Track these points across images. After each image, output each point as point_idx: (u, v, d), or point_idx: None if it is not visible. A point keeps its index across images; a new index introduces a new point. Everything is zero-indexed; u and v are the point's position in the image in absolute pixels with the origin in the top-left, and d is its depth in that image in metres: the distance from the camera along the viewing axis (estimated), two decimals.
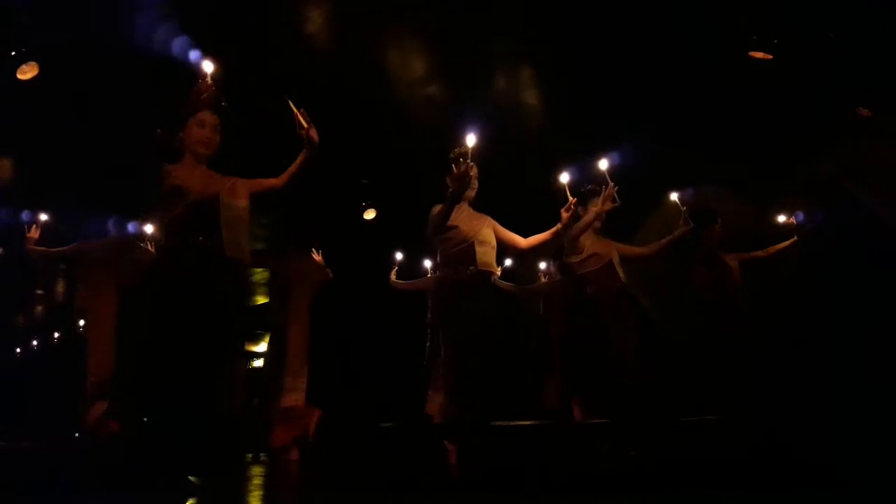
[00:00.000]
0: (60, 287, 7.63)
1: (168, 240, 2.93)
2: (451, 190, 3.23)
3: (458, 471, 3.15)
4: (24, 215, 4.61)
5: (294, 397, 4.70)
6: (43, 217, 4.54)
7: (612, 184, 3.78)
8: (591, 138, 4.86)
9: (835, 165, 4.75)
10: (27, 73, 4.63)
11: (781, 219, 4.79)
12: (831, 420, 3.38)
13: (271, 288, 5.10)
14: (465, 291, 3.35)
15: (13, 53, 4.57)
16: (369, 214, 6.61)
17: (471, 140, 3.16)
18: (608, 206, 3.83)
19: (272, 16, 4.37)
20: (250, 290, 3.06)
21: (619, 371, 4.05)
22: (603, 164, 3.83)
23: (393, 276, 5.28)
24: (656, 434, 3.60)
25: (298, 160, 2.96)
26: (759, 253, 4.83)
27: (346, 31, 4.56)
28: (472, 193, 3.48)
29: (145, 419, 2.72)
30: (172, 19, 4.07)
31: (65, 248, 4.57)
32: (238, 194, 2.95)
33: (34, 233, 4.52)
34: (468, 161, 3.16)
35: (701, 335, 4.59)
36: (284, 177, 3.00)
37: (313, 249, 5.13)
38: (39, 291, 7.83)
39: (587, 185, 4.28)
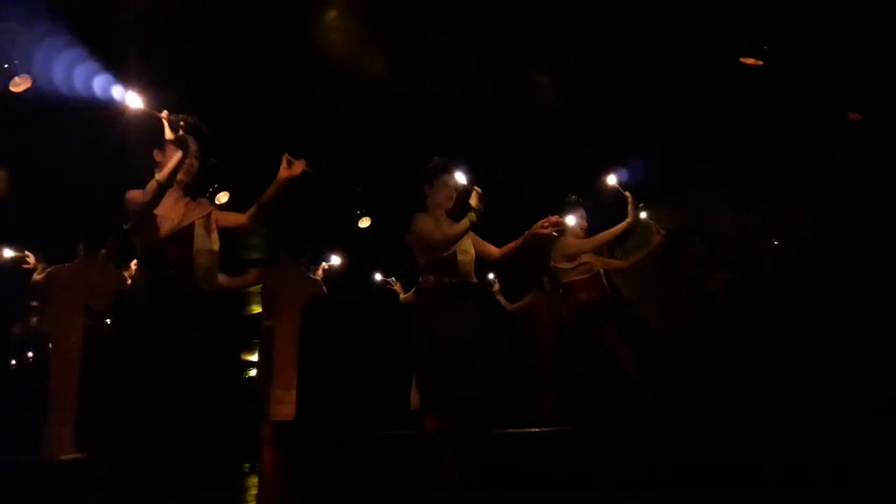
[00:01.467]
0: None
1: (144, 269, 2.90)
2: (475, 209, 3.27)
3: (441, 480, 3.16)
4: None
5: (284, 410, 4.69)
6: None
7: (627, 193, 3.88)
8: (582, 142, 4.91)
9: (825, 170, 4.77)
10: (20, 85, 4.62)
11: None
12: (819, 425, 3.40)
13: (262, 299, 5.10)
14: (444, 300, 3.38)
15: (6, 66, 4.56)
16: (364, 223, 6.61)
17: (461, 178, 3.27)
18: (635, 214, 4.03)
19: (262, 26, 4.38)
20: (222, 322, 3.06)
21: (614, 377, 4.08)
22: (611, 180, 3.97)
23: (402, 295, 5.20)
24: (648, 438, 3.62)
25: (269, 192, 2.91)
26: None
27: (341, 39, 4.58)
28: (450, 204, 3.52)
29: (128, 447, 2.70)
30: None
31: (40, 276, 4.50)
32: (211, 226, 2.94)
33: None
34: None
35: (681, 350, 4.64)
36: (251, 213, 2.98)
37: (319, 265, 5.13)
38: (34, 303, 7.81)
39: (570, 195, 4.34)
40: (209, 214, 2.96)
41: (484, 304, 3.53)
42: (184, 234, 2.86)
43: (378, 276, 5.29)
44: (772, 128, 4.76)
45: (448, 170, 3.43)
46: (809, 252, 4.75)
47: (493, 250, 3.61)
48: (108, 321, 4.53)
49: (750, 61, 4.64)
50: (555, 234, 3.38)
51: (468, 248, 3.48)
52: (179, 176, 2.90)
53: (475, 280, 3.50)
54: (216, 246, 2.93)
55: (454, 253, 3.40)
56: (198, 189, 3.06)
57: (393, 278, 5.25)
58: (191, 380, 2.72)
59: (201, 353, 2.77)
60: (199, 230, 2.89)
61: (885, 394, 3.78)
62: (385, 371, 5.81)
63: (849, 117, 4.69)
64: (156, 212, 2.83)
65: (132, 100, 2.63)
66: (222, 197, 5.66)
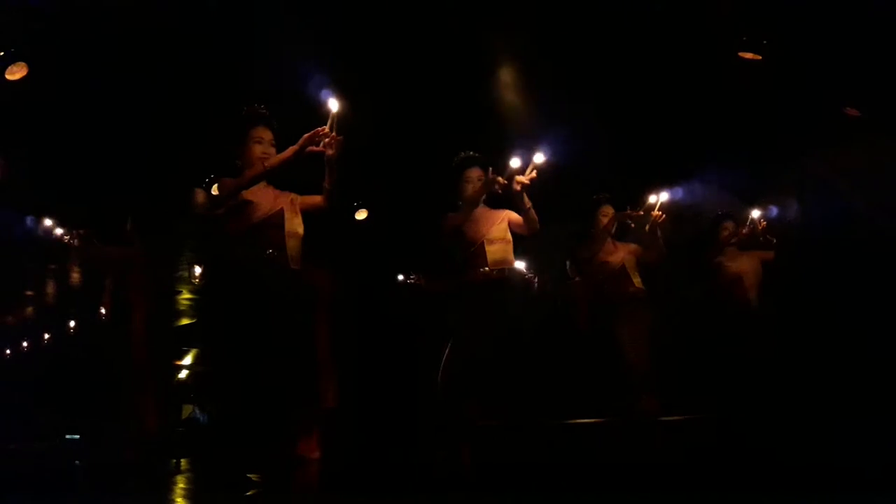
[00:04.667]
0: (51, 288, 7.60)
1: (240, 253, 3.12)
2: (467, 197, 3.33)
3: (463, 470, 3.19)
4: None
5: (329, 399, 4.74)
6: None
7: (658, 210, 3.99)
8: (580, 137, 4.89)
9: (823, 165, 4.78)
10: (16, 73, 4.59)
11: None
12: (833, 420, 3.42)
13: None
14: (479, 291, 3.41)
15: (2, 53, 4.53)
16: (361, 215, 6.58)
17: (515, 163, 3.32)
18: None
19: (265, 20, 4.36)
20: (311, 301, 3.26)
21: (629, 373, 4.10)
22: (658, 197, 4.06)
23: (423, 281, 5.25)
24: (660, 432, 3.65)
25: (326, 174, 3.08)
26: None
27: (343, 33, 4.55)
28: (477, 197, 3.55)
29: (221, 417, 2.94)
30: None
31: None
32: (296, 210, 3.14)
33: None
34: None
35: (716, 338, 4.63)
36: (324, 197, 3.16)
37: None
38: (29, 292, 7.77)
39: (601, 193, 4.32)
40: (292, 199, 3.16)
41: (521, 290, 3.54)
42: (275, 220, 3.07)
43: (400, 278, 5.27)
44: (772, 123, 4.77)
45: (467, 163, 3.46)
46: (805, 248, 4.76)
47: (515, 218, 3.63)
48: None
49: (749, 56, 4.64)
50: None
51: (499, 234, 3.53)
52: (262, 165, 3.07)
53: (511, 266, 3.52)
54: (301, 230, 3.14)
55: (482, 245, 3.43)
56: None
57: (414, 275, 5.24)
58: (288, 354, 2.96)
59: (297, 328, 3.02)
60: (288, 215, 3.09)
61: (885, 392, 3.80)
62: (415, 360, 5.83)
63: (847, 113, 4.70)
64: (249, 199, 3.04)
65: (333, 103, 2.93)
66: (215, 189, 5.66)
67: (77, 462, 4.36)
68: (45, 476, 3.77)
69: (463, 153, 3.55)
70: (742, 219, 4.71)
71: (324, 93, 3.06)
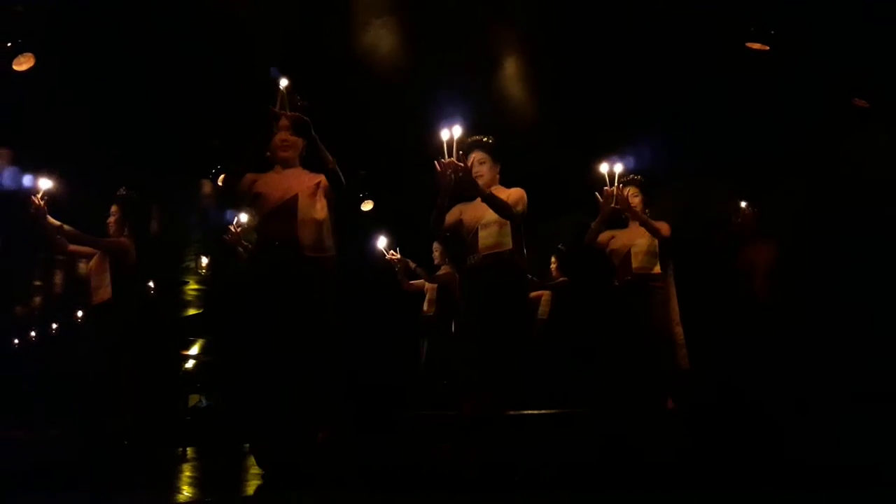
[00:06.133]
0: (58, 278, 7.66)
1: (254, 246, 3.13)
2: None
3: (465, 467, 3.16)
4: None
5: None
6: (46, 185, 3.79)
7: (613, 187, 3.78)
8: (580, 126, 4.88)
9: (830, 157, 4.74)
10: (23, 63, 4.62)
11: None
12: (835, 419, 3.38)
13: None
14: (465, 281, 3.35)
15: (8, 44, 4.55)
16: (367, 206, 6.60)
17: (445, 135, 3.01)
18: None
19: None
20: (333, 286, 3.07)
21: (617, 361, 4.03)
22: (604, 168, 3.80)
23: (405, 280, 5.22)
24: (647, 426, 3.62)
25: (325, 160, 2.93)
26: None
27: (339, 20, 4.54)
28: (457, 189, 3.23)
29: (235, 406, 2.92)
30: None
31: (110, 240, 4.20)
32: (317, 196, 2.98)
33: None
34: (447, 159, 3.03)
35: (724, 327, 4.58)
36: (328, 179, 2.98)
37: None
38: (37, 282, 7.84)
39: (630, 175, 4.19)
40: (317, 183, 2.99)
41: (514, 275, 3.38)
42: (286, 208, 2.91)
43: (381, 245, 5.12)
44: (775, 115, 4.73)
45: (468, 149, 3.24)
46: (809, 241, 4.72)
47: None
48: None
49: (756, 46, 4.59)
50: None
51: (492, 217, 3.26)
52: (279, 153, 3.00)
53: (506, 249, 3.25)
54: (321, 214, 2.95)
55: (476, 232, 3.26)
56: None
57: (395, 251, 5.15)
58: (287, 352, 2.81)
59: (301, 323, 2.83)
60: (303, 201, 2.93)
61: (886, 389, 3.76)
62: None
63: (855, 104, 4.65)
64: (260, 191, 2.95)
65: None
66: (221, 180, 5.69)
67: (77, 451, 4.34)
68: (46, 467, 3.78)
69: (469, 139, 3.35)
70: (744, 208, 4.65)
71: (272, 70, 2.94)
